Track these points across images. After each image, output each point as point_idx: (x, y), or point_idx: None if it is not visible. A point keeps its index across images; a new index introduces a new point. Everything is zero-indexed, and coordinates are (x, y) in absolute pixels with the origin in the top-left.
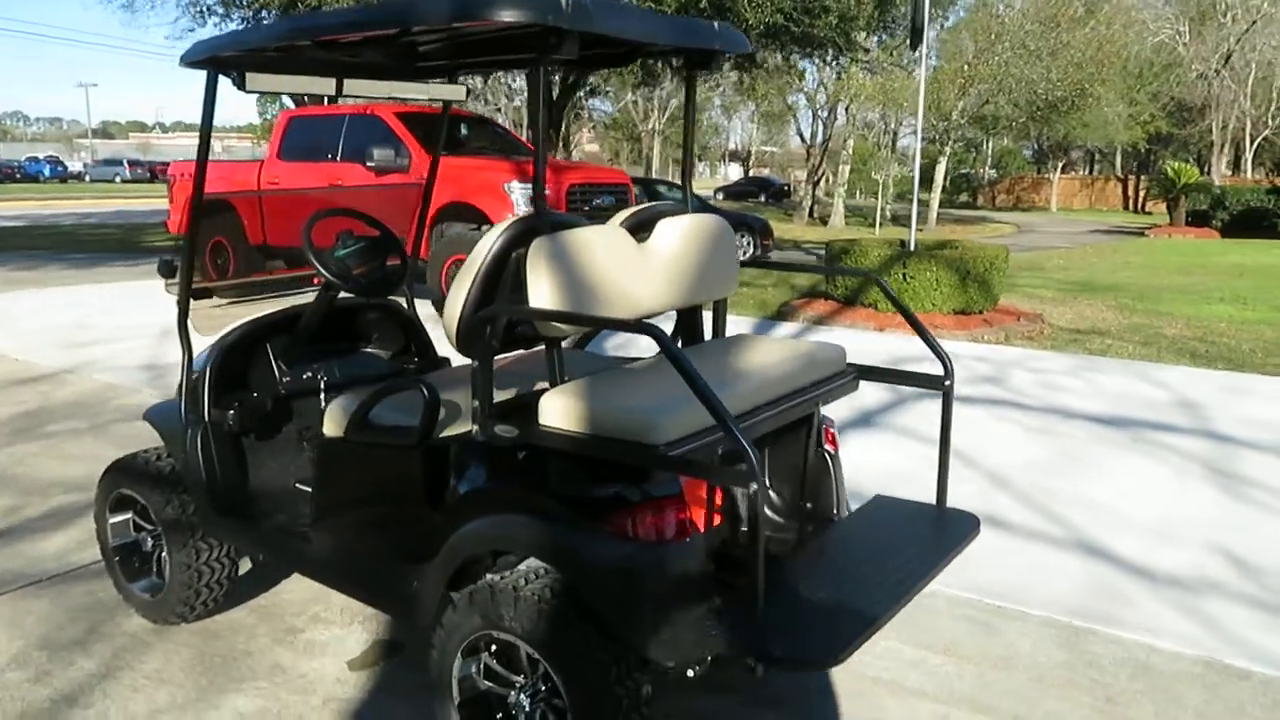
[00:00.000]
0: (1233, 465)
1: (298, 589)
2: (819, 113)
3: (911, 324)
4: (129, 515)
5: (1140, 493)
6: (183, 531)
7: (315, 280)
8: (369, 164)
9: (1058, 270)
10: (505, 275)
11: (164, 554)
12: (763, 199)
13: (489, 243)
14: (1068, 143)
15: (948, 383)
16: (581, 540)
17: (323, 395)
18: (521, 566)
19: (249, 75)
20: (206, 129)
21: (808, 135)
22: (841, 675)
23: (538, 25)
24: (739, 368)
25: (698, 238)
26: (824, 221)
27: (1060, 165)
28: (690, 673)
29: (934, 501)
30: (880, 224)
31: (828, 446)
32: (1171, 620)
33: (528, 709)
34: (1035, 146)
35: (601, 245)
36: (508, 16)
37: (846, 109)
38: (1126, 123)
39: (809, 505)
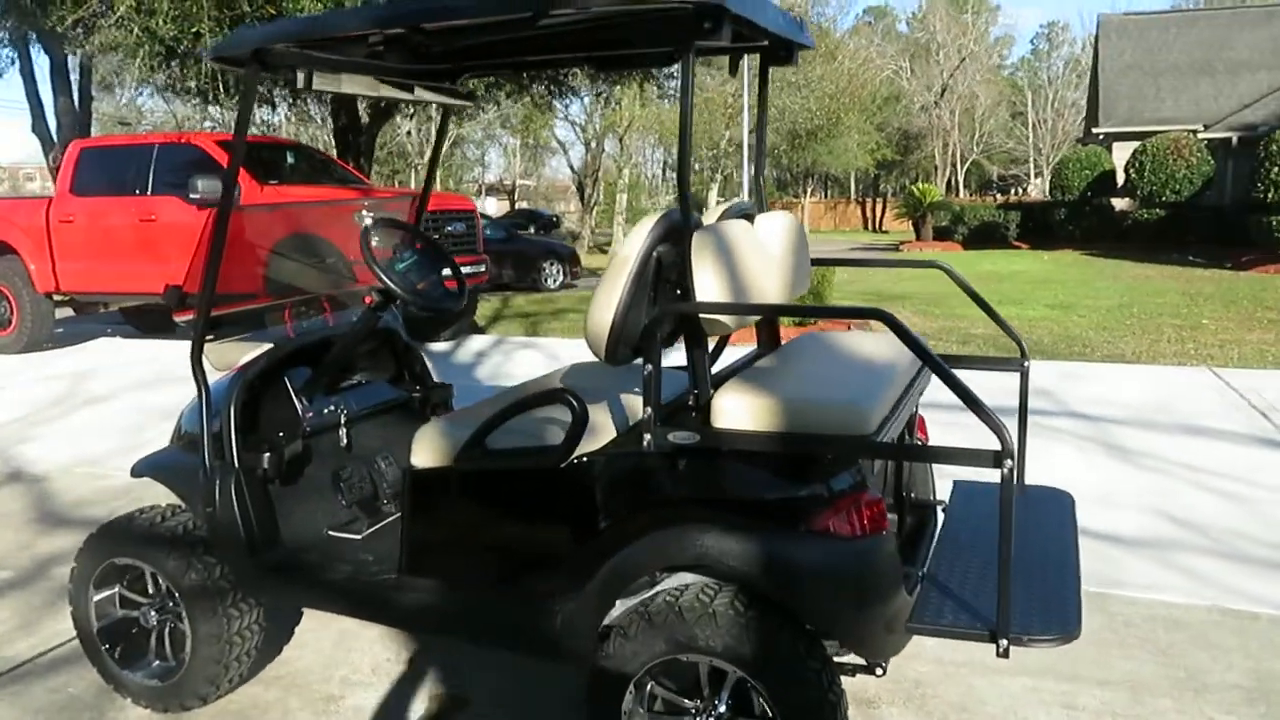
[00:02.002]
0: (1113, 438)
1: (304, 654)
2: (590, 143)
3: (986, 311)
4: (115, 590)
5: (1056, 468)
6: (210, 598)
7: (366, 300)
8: (192, 196)
9: (845, 283)
10: (647, 276)
11: (181, 627)
12: (532, 230)
13: (636, 245)
14: (814, 169)
15: (1026, 364)
16: (784, 544)
17: (343, 430)
18: (674, 582)
19: (301, 74)
20: (242, 135)
21: (578, 165)
22: (916, 662)
23: (691, 6)
24: (862, 361)
25: (794, 233)
26: (603, 250)
27: (808, 191)
28: (879, 671)
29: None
30: None
31: (920, 435)
32: (1164, 577)
33: None
34: (787, 173)
35: (746, 239)
36: None
37: (620, 139)
38: (860, 150)
39: (912, 494)
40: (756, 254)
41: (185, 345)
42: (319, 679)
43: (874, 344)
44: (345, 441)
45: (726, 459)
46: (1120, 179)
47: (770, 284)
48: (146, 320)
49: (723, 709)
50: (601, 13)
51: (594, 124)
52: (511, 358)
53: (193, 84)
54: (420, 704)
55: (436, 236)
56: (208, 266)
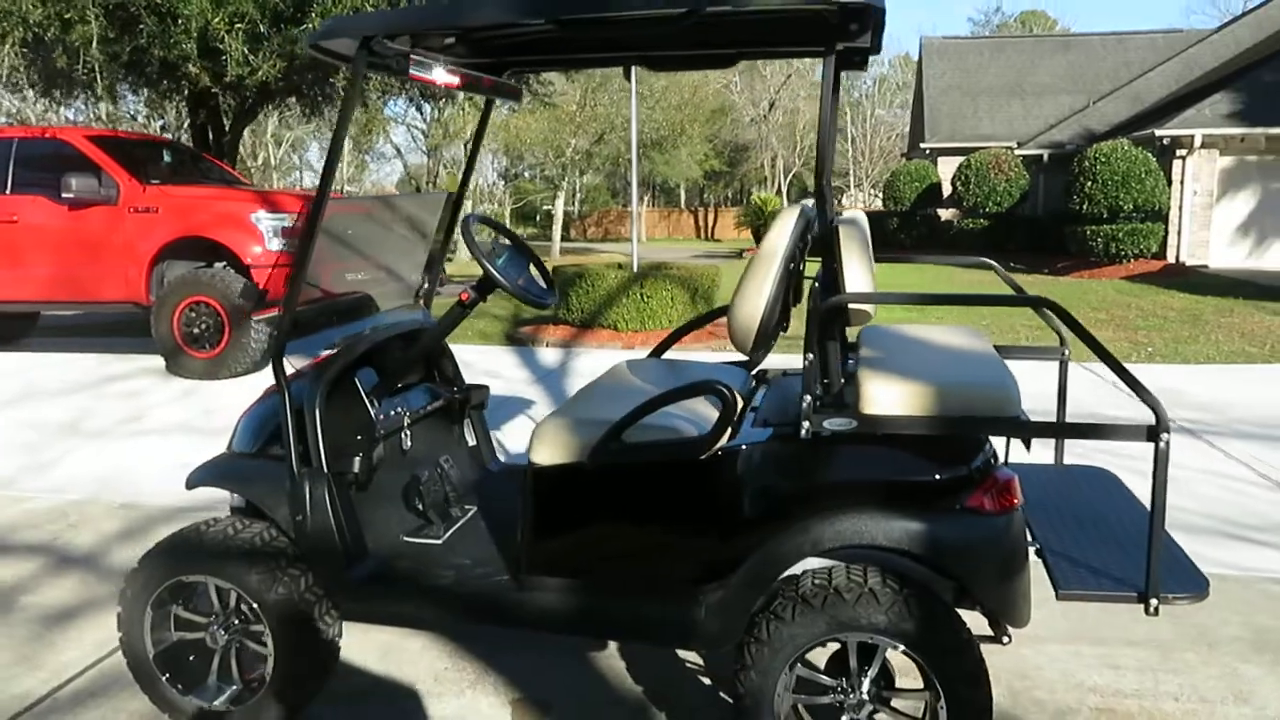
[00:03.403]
0: None
1: (355, 669)
2: (435, 150)
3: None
4: (170, 610)
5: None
6: (297, 612)
7: (463, 296)
8: (65, 195)
9: (714, 290)
10: (788, 269)
11: (253, 646)
12: None
13: (782, 240)
14: (649, 179)
15: (1065, 353)
16: (945, 522)
17: (406, 433)
18: (817, 563)
19: (414, 62)
20: (344, 129)
21: (415, 172)
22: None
23: (837, 6)
24: (955, 349)
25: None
26: (449, 258)
27: (644, 199)
28: (1006, 640)
29: (1052, 462)
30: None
31: None
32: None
33: (858, 714)
34: (623, 181)
35: (866, 231)
36: None
37: (466, 145)
38: (691, 160)
39: None
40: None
41: (41, 356)
42: (384, 692)
43: (941, 333)
44: (409, 444)
45: (878, 443)
46: (946, 191)
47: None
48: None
49: (867, 686)
50: (754, 10)
51: (437, 130)
52: None
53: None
54: (501, 710)
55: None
56: (295, 265)
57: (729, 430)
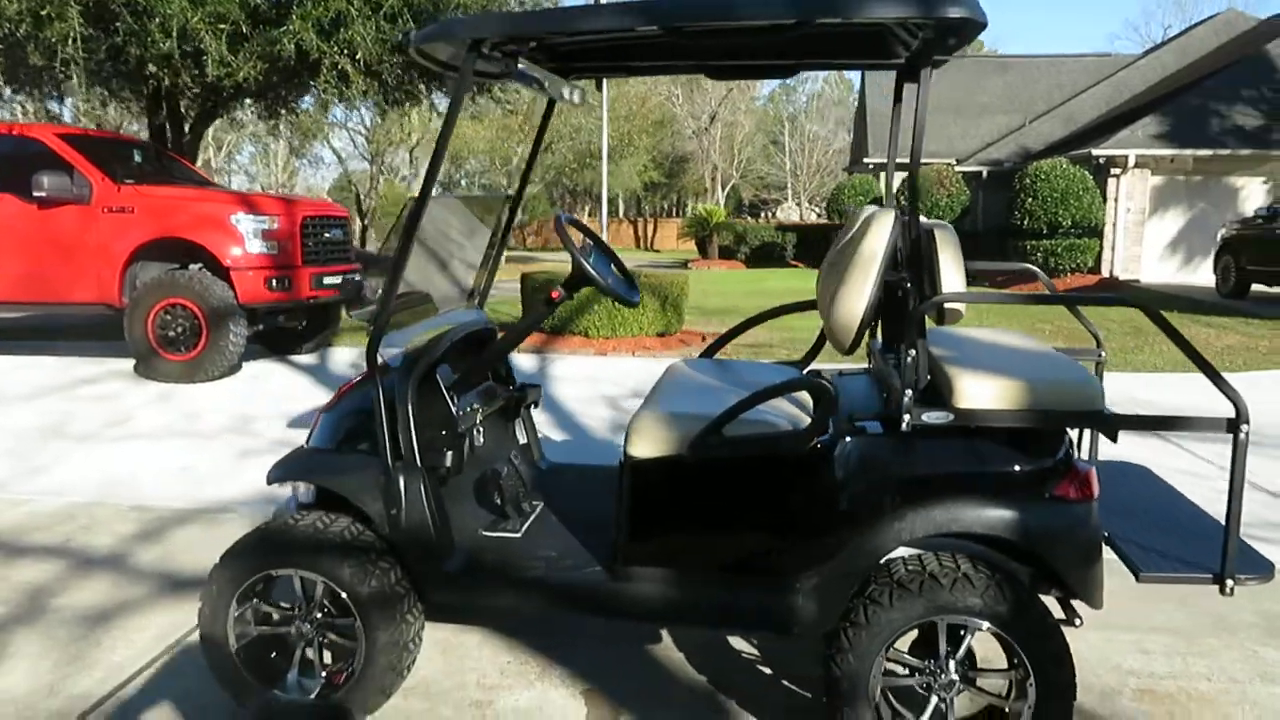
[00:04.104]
0: None
1: (419, 665)
2: (375, 158)
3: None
4: (252, 605)
5: None
6: (389, 605)
7: (553, 294)
8: (36, 194)
9: (683, 298)
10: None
11: (339, 640)
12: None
13: (881, 242)
14: (591, 189)
15: (1102, 354)
16: (1037, 511)
17: (479, 430)
18: (905, 552)
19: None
20: (449, 129)
21: (356, 179)
22: None
23: (935, 20)
24: (1023, 348)
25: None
26: None
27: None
28: (1078, 622)
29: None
30: None
31: None
32: None
33: (948, 696)
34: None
35: (956, 238)
36: (954, 12)
37: (410, 153)
38: (632, 171)
39: None
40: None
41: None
42: (453, 685)
43: (996, 335)
44: (481, 441)
45: (972, 436)
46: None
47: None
48: None
49: (954, 666)
50: (861, 23)
51: (380, 136)
52: None
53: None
54: (574, 700)
55: (314, 243)
56: (396, 259)
57: (827, 422)
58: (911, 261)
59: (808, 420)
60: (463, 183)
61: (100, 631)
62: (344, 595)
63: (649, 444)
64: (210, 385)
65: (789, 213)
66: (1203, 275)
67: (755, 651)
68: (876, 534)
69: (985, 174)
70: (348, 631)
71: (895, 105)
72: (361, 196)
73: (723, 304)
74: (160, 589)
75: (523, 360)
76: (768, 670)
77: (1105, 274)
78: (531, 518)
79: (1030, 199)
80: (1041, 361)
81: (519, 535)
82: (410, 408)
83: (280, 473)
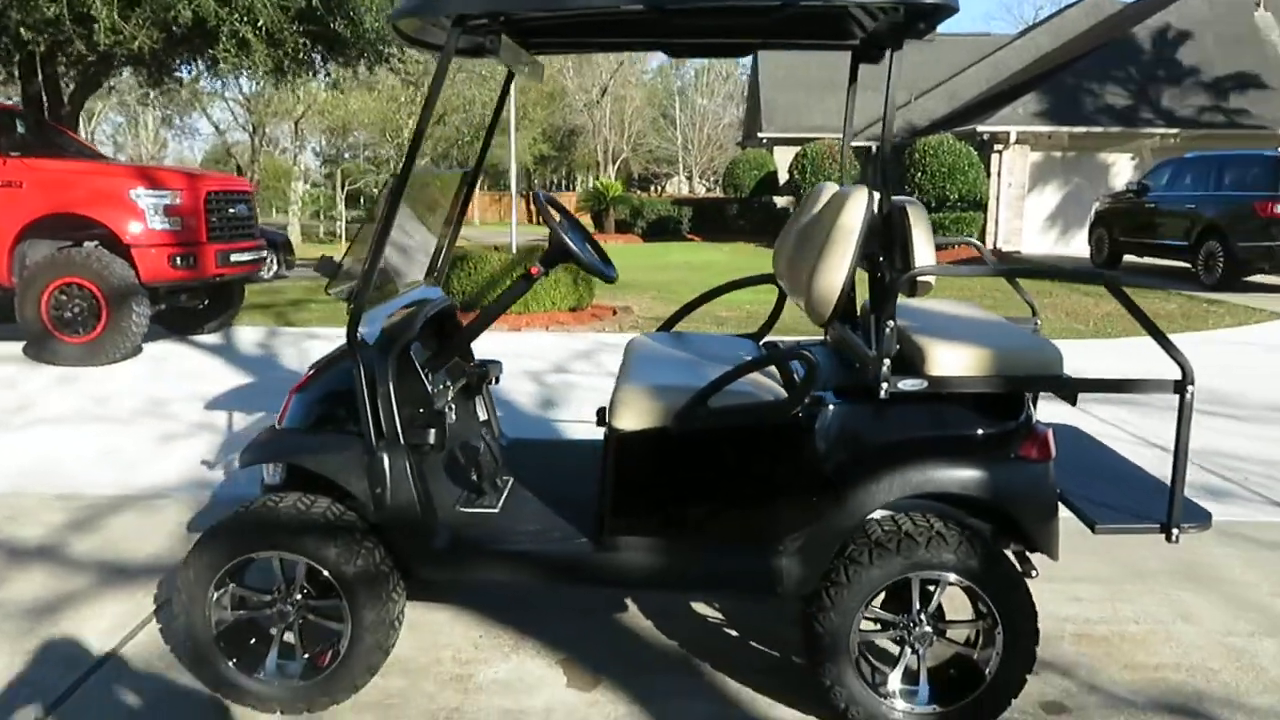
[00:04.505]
0: None
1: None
2: (255, 130)
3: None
4: (227, 590)
5: None
6: (374, 584)
7: (533, 270)
8: None
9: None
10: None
11: (335, 619)
12: None
13: (858, 218)
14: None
15: (1038, 322)
16: (1003, 470)
17: (451, 408)
18: (881, 513)
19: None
20: (432, 105)
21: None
22: None
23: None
24: (980, 318)
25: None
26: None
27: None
28: (1034, 573)
29: None
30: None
31: None
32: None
33: (921, 648)
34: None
35: (925, 213)
36: None
37: (296, 124)
38: (523, 145)
39: None
40: None
41: None
42: (430, 661)
43: (949, 306)
44: (454, 417)
45: (943, 401)
46: (783, 178)
47: None
48: None
49: (927, 619)
50: (840, 6)
51: (261, 108)
52: (299, 346)
53: None
54: (552, 670)
55: (219, 219)
56: (377, 235)
57: (810, 391)
58: (884, 236)
59: (780, 390)
60: (346, 155)
61: (49, 624)
62: (328, 575)
63: (634, 417)
64: (112, 368)
65: (680, 186)
66: (1077, 247)
67: (721, 615)
68: (857, 496)
69: (874, 149)
70: (332, 613)
71: (851, 85)
72: (242, 169)
73: (629, 279)
74: (108, 578)
75: None
76: (735, 633)
77: (989, 246)
78: (505, 492)
79: (920, 174)
80: (998, 330)
81: (497, 510)
82: (391, 385)
83: (255, 454)
